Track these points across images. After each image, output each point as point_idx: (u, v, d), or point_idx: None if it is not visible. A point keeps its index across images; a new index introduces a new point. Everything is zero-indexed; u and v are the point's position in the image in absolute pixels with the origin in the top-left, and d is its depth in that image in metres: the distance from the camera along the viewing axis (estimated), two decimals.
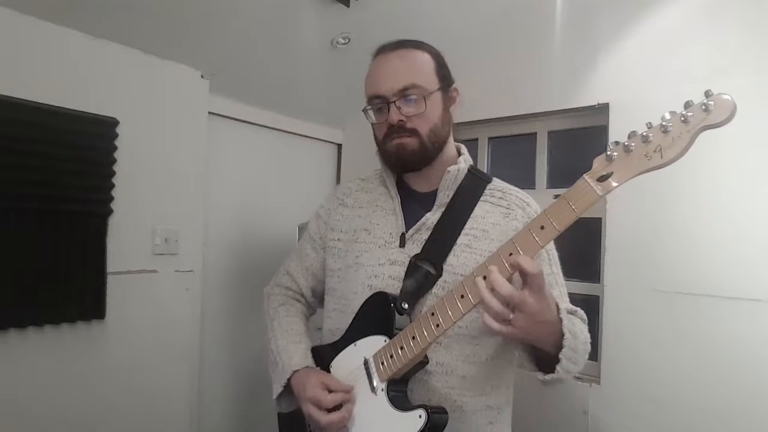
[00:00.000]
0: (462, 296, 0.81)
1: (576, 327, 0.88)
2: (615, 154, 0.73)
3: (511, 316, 0.75)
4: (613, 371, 1.70)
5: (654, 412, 1.61)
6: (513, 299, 0.74)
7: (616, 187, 0.73)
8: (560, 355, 0.84)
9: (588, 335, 0.95)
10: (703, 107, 0.67)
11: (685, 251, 1.57)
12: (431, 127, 0.99)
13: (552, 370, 0.86)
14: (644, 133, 0.71)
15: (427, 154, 1.00)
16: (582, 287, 1.87)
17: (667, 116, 0.70)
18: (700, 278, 1.54)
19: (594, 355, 1.79)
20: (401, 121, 0.97)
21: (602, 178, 0.73)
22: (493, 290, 0.75)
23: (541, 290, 0.75)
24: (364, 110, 1.03)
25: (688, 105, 0.69)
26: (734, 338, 1.48)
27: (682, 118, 0.68)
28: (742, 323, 1.47)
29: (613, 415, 1.69)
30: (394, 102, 0.96)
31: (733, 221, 1.49)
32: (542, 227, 0.77)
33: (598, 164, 0.74)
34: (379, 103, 0.99)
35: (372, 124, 1.04)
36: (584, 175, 0.75)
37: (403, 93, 0.96)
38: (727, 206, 1.51)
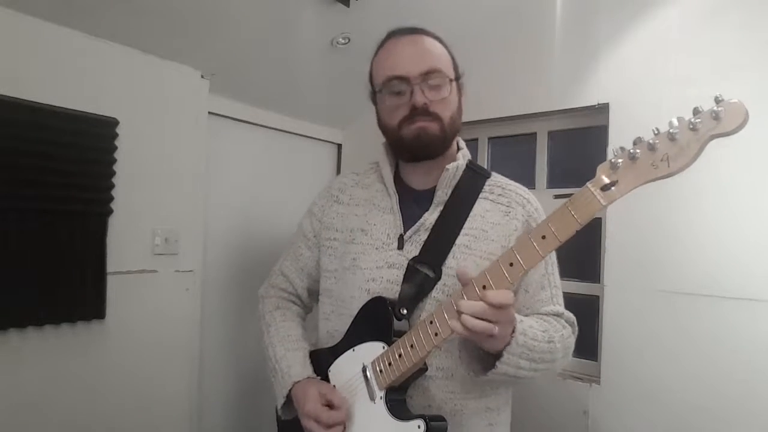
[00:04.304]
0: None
1: (534, 328, 0.88)
2: (620, 161, 0.70)
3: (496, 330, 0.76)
4: (613, 371, 1.70)
5: (654, 412, 1.61)
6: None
7: (621, 196, 0.70)
8: (504, 350, 0.82)
9: (564, 334, 0.94)
10: (713, 114, 0.64)
11: (685, 251, 1.57)
12: (451, 114, 0.97)
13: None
14: (650, 141, 0.68)
15: (446, 142, 0.98)
16: (582, 287, 1.86)
17: (675, 123, 0.66)
18: (701, 278, 1.54)
19: (594, 355, 1.79)
20: (425, 104, 0.93)
21: (606, 187, 0.71)
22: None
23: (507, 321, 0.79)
24: (378, 92, 0.99)
25: (696, 111, 0.65)
26: (735, 338, 1.48)
27: (691, 126, 0.65)
28: (743, 323, 1.47)
29: (613, 415, 1.69)
30: (418, 84, 0.93)
31: (734, 221, 1.49)
32: (543, 237, 0.75)
33: (602, 172, 0.71)
34: (398, 85, 0.95)
35: (380, 109, 1.00)
36: (588, 183, 0.72)
37: (427, 76, 0.93)
38: (728, 206, 1.51)
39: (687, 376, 1.55)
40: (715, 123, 0.64)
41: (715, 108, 0.64)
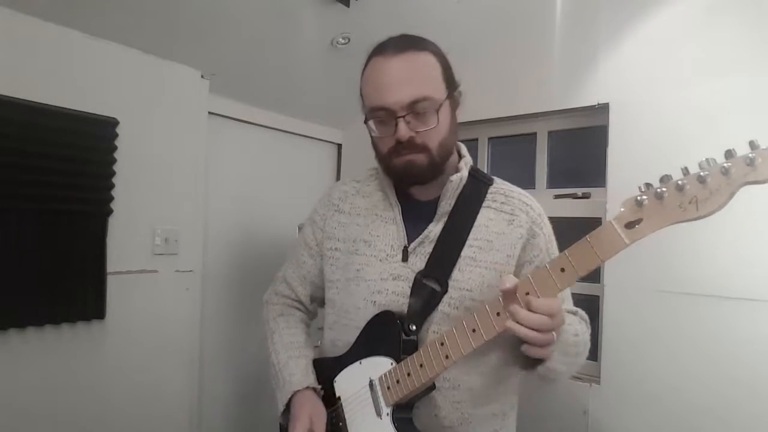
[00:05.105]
0: (474, 330, 0.80)
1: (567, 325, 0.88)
2: (645, 199, 0.67)
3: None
4: (613, 371, 1.70)
5: (654, 412, 1.61)
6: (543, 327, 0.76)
7: (645, 236, 0.67)
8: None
9: (584, 330, 0.96)
10: (747, 161, 0.60)
11: (685, 251, 1.57)
12: (441, 141, 0.92)
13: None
14: (679, 182, 0.64)
15: (436, 169, 0.94)
16: (582, 287, 1.86)
17: (705, 164, 0.63)
18: (701, 278, 1.54)
19: (594, 355, 1.78)
20: (411, 137, 0.89)
21: (630, 225, 0.68)
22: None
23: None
24: (366, 122, 0.95)
25: (729, 155, 0.62)
26: (735, 338, 1.48)
27: (723, 170, 0.61)
28: (743, 323, 1.47)
29: (613, 415, 1.69)
30: (403, 116, 0.87)
31: (734, 221, 1.49)
32: (563, 269, 0.74)
33: (627, 209, 0.68)
34: (383, 116, 0.90)
35: (370, 133, 0.96)
36: (611, 219, 0.70)
37: (413, 107, 0.87)
38: (728, 206, 1.50)
39: (687, 376, 1.55)
40: (749, 170, 0.60)
41: (750, 154, 0.60)
